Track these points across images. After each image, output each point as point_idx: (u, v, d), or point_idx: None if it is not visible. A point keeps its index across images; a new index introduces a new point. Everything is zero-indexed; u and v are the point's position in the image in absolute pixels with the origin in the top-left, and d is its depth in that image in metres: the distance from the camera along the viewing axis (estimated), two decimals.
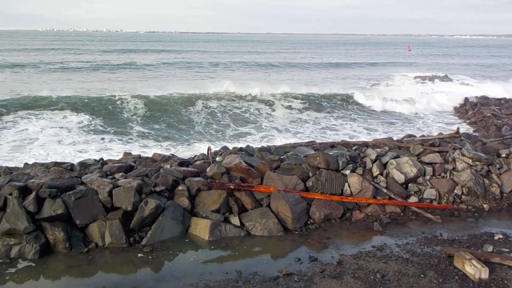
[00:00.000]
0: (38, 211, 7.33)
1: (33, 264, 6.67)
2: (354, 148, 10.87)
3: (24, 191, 7.69)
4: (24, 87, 27.71)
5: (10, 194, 7.48)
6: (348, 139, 16.07)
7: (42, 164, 10.26)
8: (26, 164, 10.69)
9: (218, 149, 12.16)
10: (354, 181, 9.18)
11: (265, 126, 20.02)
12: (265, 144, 13.98)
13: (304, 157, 9.96)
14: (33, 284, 6.20)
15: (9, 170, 9.54)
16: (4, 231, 6.96)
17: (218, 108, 22.13)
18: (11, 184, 7.77)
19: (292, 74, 42.79)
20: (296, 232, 8.03)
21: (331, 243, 7.64)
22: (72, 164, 10.25)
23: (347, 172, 9.40)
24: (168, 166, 9.73)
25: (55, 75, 36.15)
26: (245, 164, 9.20)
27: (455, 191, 9.59)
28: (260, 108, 22.64)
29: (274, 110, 22.69)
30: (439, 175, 9.92)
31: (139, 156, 11.41)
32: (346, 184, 9.23)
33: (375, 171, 9.64)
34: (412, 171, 9.58)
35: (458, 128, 13.57)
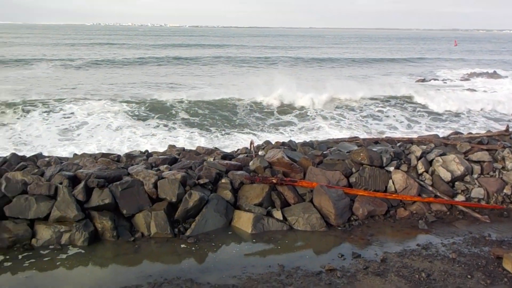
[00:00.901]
0: (87, 200, 7.56)
1: (82, 251, 6.88)
2: (398, 144, 10.70)
3: (74, 181, 7.94)
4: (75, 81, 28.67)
5: (61, 183, 7.74)
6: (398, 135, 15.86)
7: (90, 155, 10.55)
8: (75, 154, 11.02)
9: (260, 143, 12.20)
10: (398, 178, 9.05)
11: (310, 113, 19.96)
12: (310, 136, 13.88)
13: (347, 152, 9.88)
14: (82, 270, 6.39)
15: (59, 160, 9.86)
16: (55, 219, 7.21)
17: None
18: (62, 173, 8.04)
19: (335, 70, 42.45)
20: (339, 228, 7.98)
21: (374, 240, 7.56)
22: (119, 155, 10.50)
23: (391, 168, 9.27)
24: (212, 159, 9.84)
25: (102, 70, 37.13)
26: (287, 159, 9.20)
27: (505, 190, 9.30)
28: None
29: None
30: (488, 173, 9.64)
31: (183, 149, 11.58)
32: (390, 181, 9.10)
33: (420, 168, 9.46)
34: (459, 169, 9.35)
35: (507, 126, 13.14)
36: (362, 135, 16.85)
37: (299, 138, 16.52)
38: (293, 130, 18.94)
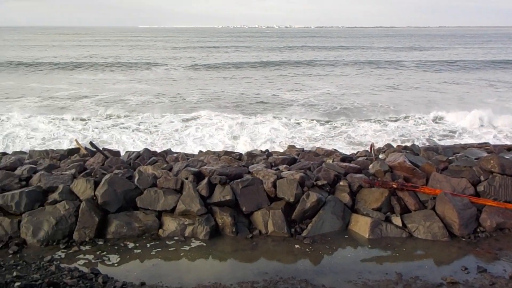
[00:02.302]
0: (209, 195, 7.94)
1: (204, 244, 7.24)
2: None
3: (198, 177, 8.38)
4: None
5: (186, 178, 8.22)
6: None
7: (214, 152, 11.07)
8: (200, 151, 11.61)
9: (381, 146, 11.90)
10: None
11: None
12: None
13: (475, 159, 9.28)
14: (203, 262, 6.74)
15: (186, 156, 10.47)
16: (181, 212, 7.67)
17: None
18: (188, 169, 8.53)
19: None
20: (463, 239, 7.53)
21: (503, 254, 7.02)
22: (240, 154, 10.88)
23: None
24: (331, 161, 9.81)
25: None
26: (409, 163, 8.88)
27: None
28: None
29: None
30: None
31: (303, 150, 11.68)
32: None
33: None
34: None
35: None
36: None
37: None
38: None
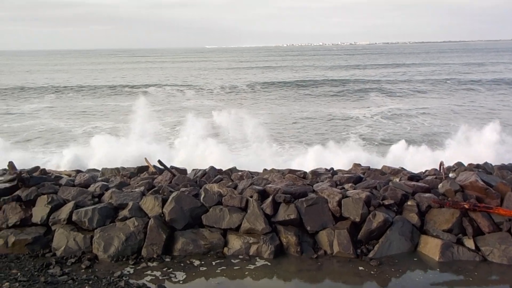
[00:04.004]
0: (274, 214, 7.95)
1: (268, 264, 7.24)
2: None
3: (263, 195, 8.42)
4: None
5: (251, 197, 8.27)
6: None
7: (279, 171, 11.07)
8: (265, 169, 11.65)
9: (451, 164, 11.46)
10: None
11: None
12: None
13: None
14: (268, 282, 6.73)
15: (250, 174, 10.55)
16: (245, 230, 7.72)
17: None
18: (252, 187, 8.60)
19: None
20: None
21: None
22: (305, 172, 10.82)
23: None
24: (397, 180, 9.57)
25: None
26: (482, 183, 8.50)
27: None
28: None
29: None
30: None
31: (368, 168, 11.46)
32: None
33: None
34: None
35: None
36: None
37: None
38: None
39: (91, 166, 13.28)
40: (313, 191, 8.69)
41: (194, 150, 14.31)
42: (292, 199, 8.11)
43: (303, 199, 8.12)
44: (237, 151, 16.13)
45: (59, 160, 13.88)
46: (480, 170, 9.80)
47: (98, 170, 12.27)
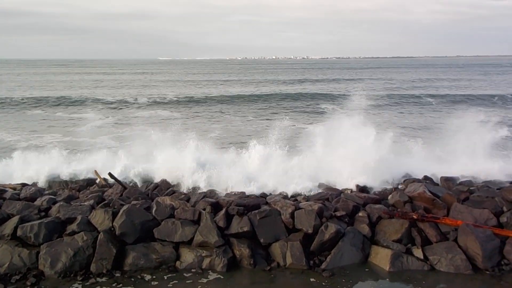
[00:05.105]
0: (227, 226, 7.89)
1: (221, 277, 7.16)
2: None
3: (216, 207, 8.35)
4: None
5: (204, 209, 8.19)
6: None
7: None
8: None
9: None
10: None
11: None
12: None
13: (497, 189, 9.11)
14: None
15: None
16: (198, 243, 7.62)
17: None
18: (205, 200, 8.52)
19: None
20: (487, 272, 7.34)
21: None
22: None
23: None
24: (349, 192, 9.71)
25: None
26: (429, 194, 8.75)
27: None
28: None
29: None
30: None
31: None
32: None
33: None
34: None
35: None
36: None
37: None
38: None
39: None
40: (266, 203, 8.70)
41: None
42: (245, 212, 8.08)
43: (256, 211, 8.10)
44: None
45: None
46: (427, 181, 10.07)
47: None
